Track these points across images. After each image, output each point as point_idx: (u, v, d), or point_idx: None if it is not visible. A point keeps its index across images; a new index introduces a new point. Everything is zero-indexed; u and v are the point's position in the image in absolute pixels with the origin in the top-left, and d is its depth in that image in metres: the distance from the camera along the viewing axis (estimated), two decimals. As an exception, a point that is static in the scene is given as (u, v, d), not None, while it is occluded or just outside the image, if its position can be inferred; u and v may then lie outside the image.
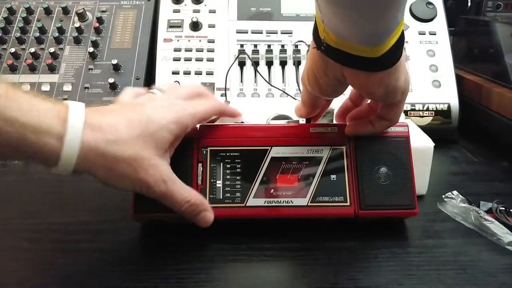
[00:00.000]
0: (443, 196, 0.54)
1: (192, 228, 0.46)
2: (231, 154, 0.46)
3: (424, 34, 0.82)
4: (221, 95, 0.75)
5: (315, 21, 0.40)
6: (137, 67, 0.76)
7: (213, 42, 0.80)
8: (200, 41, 0.80)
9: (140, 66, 0.76)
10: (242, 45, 0.80)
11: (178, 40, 0.80)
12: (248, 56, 0.77)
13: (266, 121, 0.59)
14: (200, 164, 0.46)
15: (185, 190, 0.42)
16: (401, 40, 0.39)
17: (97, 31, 0.79)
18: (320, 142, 0.47)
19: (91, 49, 0.76)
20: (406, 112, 0.75)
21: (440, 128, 0.75)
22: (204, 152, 0.46)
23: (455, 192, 0.54)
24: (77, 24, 0.78)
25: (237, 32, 0.81)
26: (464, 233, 0.48)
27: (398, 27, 0.37)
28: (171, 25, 0.81)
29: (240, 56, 0.77)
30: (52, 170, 0.37)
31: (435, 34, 0.82)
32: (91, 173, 0.38)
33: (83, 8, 0.80)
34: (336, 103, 0.59)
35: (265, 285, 0.40)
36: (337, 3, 0.35)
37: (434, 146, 0.54)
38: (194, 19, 0.80)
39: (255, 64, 0.78)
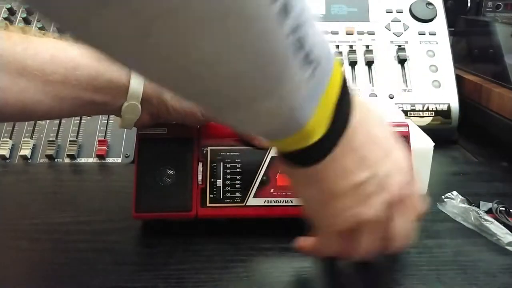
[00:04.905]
0: (443, 196, 0.54)
1: (192, 228, 0.46)
2: (231, 153, 0.46)
3: (424, 34, 0.81)
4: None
5: None
6: (137, 67, 0.76)
7: (213, 42, 0.80)
8: (200, 41, 0.80)
9: (140, 66, 0.76)
10: (242, 45, 0.80)
11: (178, 40, 0.80)
12: (248, 56, 0.77)
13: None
14: (200, 164, 0.46)
15: None
16: (338, 117, 0.27)
17: (97, 31, 0.79)
18: (320, 142, 0.47)
19: (91, 49, 0.76)
20: (406, 112, 0.75)
21: (440, 128, 0.75)
22: (204, 151, 0.46)
23: (454, 192, 0.54)
24: (77, 24, 0.78)
25: (237, 32, 0.81)
26: (464, 233, 0.48)
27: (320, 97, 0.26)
28: (171, 25, 0.81)
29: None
30: None
31: (435, 35, 0.81)
32: None
33: (83, 8, 0.80)
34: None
35: (265, 285, 0.40)
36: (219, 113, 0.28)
37: (434, 146, 0.54)
38: (194, 19, 0.80)
39: (255, 64, 0.78)
